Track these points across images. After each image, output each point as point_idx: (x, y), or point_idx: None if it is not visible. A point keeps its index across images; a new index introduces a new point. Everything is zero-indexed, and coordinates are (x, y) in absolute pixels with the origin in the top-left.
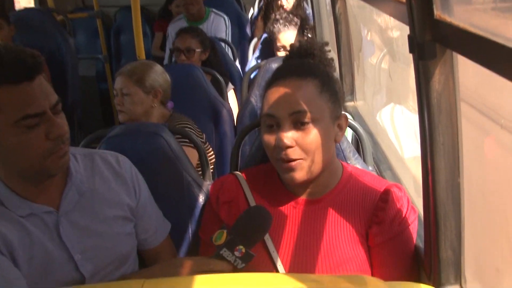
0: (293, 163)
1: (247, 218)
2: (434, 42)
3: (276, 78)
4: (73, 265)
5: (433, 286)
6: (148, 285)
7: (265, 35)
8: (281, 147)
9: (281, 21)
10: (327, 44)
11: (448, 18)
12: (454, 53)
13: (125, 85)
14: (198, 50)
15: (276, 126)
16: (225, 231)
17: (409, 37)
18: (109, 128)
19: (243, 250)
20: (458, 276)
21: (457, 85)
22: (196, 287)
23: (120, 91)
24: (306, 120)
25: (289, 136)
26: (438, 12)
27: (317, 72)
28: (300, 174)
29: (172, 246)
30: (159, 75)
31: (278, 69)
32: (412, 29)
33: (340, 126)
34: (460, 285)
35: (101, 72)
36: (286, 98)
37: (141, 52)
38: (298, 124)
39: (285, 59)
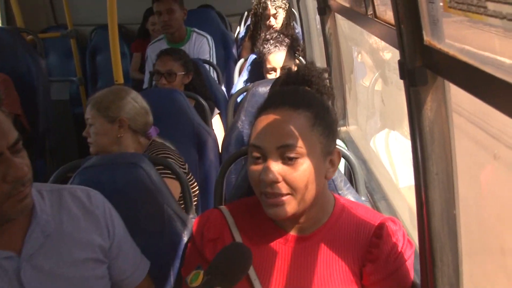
0: (277, 199)
1: (225, 256)
2: (424, 68)
3: (267, 106)
4: None
5: None
6: None
7: (253, 56)
8: (266, 181)
9: (271, 41)
10: (326, 71)
11: (438, 45)
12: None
13: (90, 115)
14: (180, 73)
15: (262, 158)
16: (201, 272)
17: (399, 62)
18: (84, 158)
19: None
20: None
21: (449, 113)
22: None
23: (87, 121)
24: (295, 155)
25: (275, 170)
26: (427, 38)
27: (311, 103)
28: (283, 211)
29: (151, 287)
30: (127, 103)
31: (270, 95)
32: (402, 54)
33: (332, 162)
34: None
35: (75, 95)
36: (275, 129)
37: (118, 75)
38: (286, 158)
39: (280, 84)
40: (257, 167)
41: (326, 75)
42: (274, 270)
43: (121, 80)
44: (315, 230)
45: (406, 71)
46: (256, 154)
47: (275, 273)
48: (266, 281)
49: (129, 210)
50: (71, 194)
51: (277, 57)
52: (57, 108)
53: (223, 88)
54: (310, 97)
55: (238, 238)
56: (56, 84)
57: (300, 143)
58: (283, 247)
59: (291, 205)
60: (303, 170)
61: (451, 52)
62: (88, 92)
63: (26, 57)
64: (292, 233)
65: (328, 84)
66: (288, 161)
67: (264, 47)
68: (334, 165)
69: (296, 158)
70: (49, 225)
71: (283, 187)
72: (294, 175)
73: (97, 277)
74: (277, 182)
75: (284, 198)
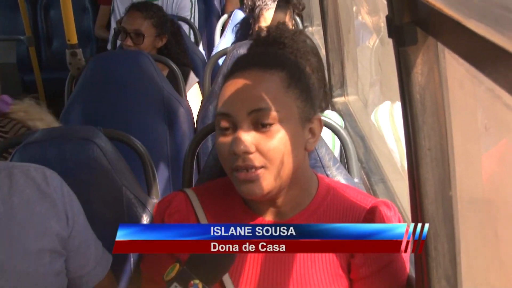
0: (250, 173)
1: None
2: (413, 25)
3: (235, 69)
4: None
5: None
6: None
7: (238, 12)
8: (237, 153)
9: None
10: (301, 32)
11: None
12: None
13: None
14: (150, 35)
15: (232, 128)
16: (177, 264)
17: (387, 18)
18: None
19: (200, 286)
20: None
21: (443, 78)
22: None
23: None
24: (269, 120)
25: (247, 139)
26: None
27: (284, 63)
28: (260, 187)
29: (114, 285)
30: None
31: (238, 59)
32: (390, 8)
33: (313, 131)
34: None
35: (25, 58)
36: (245, 93)
37: (71, 33)
38: (259, 126)
39: (249, 47)
40: (226, 139)
41: (302, 37)
42: (246, 261)
43: (74, 40)
44: (294, 215)
45: (394, 28)
46: (225, 124)
47: (247, 264)
48: (237, 273)
49: (81, 194)
50: (23, 174)
51: (275, 14)
52: (2, 73)
53: (202, 51)
54: (283, 57)
55: (205, 223)
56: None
57: (274, 106)
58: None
59: (266, 180)
60: (279, 138)
61: (438, 5)
62: (41, 55)
63: None
64: (268, 218)
65: (303, 48)
66: (261, 128)
67: (259, 0)
68: (314, 134)
69: (271, 124)
70: None
71: (256, 159)
72: (269, 144)
73: (54, 272)
74: (249, 153)
75: (258, 171)
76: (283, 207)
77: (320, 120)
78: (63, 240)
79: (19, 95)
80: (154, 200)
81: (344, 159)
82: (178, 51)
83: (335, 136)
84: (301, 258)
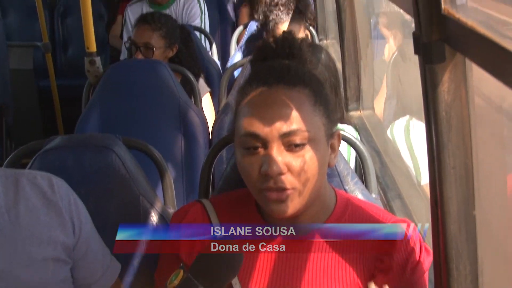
0: (281, 194)
1: (211, 255)
2: (442, 43)
3: (257, 84)
4: None
5: None
6: None
7: (254, 24)
8: (270, 175)
9: (281, 6)
10: (306, 41)
11: (457, 14)
12: None
13: None
14: (159, 47)
15: (261, 148)
16: (181, 270)
17: (414, 35)
18: (47, 138)
19: None
20: None
21: (470, 96)
22: None
23: None
24: (300, 141)
25: (280, 160)
26: (446, 6)
27: (307, 79)
28: (290, 207)
29: None
30: None
31: (255, 73)
32: (417, 25)
33: (333, 147)
34: None
35: (41, 65)
36: (275, 113)
37: (90, 41)
38: (291, 146)
39: (256, 59)
40: (254, 159)
41: (309, 42)
42: (258, 276)
43: (93, 48)
44: (311, 231)
45: (421, 46)
46: (253, 144)
47: (258, 279)
48: (246, 280)
49: (98, 202)
50: (30, 181)
51: (289, 27)
52: (18, 79)
53: (217, 61)
54: (305, 72)
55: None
56: (17, 50)
57: (304, 126)
58: (271, 250)
59: (295, 200)
60: (310, 157)
61: (469, 23)
62: (57, 61)
63: None
64: (284, 233)
65: (309, 58)
66: (293, 148)
67: (272, 13)
68: (335, 149)
69: (303, 144)
70: (2, 218)
71: (287, 180)
72: (301, 165)
73: (58, 280)
74: (282, 174)
75: (289, 192)
76: (302, 222)
77: (339, 135)
78: (68, 249)
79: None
80: (170, 210)
81: (360, 173)
82: (188, 59)
83: (350, 150)
84: (314, 274)
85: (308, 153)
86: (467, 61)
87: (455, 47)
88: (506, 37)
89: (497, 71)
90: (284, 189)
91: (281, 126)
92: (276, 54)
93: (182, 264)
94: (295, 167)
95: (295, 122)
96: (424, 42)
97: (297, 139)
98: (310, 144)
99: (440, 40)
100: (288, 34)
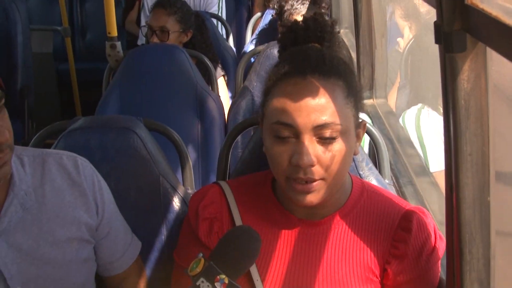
0: (309, 185)
1: (231, 240)
2: (464, 32)
3: (291, 71)
4: None
5: None
6: None
7: (270, 11)
8: (301, 166)
9: None
10: (335, 22)
11: (480, 4)
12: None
13: None
14: (174, 31)
15: (293, 137)
16: (202, 258)
17: (435, 24)
18: (69, 119)
19: (226, 281)
20: None
21: (489, 85)
22: None
23: None
24: (332, 134)
25: (312, 152)
26: None
27: (341, 69)
28: (317, 197)
29: (142, 271)
30: None
31: (288, 58)
32: (439, 15)
33: (359, 136)
34: None
35: (61, 48)
36: (309, 104)
37: (112, 26)
38: (322, 138)
39: (285, 42)
40: (284, 148)
41: (337, 28)
42: (275, 257)
43: (115, 33)
44: (328, 216)
45: (443, 35)
46: (285, 133)
47: (275, 260)
48: (265, 268)
49: (120, 182)
50: (56, 162)
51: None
52: (39, 62)
53: (233, 47)
54: (339, 62)
55: (238, 218)
56: (38, 34)
57: (337, 119)
58: (288, 233)
59: (322, 191)
60: (340, 150)
61: (494, 13)
62: (75, 45)
63: (4, 1)
64: (300, 216)
65: (339, 40)
66: (324, 140)
67: (287, 3)
68: (359, 138)
69: (334, 138)
70: (29, 198)
71: (316, 172)
72: (331, 158)
73: (82, 259)
74: (313, 166)
75: (316, 183)
76: (320, 209)
77: (365, 124)
78: (91, 229)
79: (53, 83)
80: (189, 191)
81: (374, 159)
82: (203, 46)
83: (364, 137)
84: (330, 258)
85: (338, 145)
86: (488, 51)
87: (478, 36)
88: None
89: None
90: (312, 181)
91: (315, 118)
92: (307, 36)
93: (201, 253)
94: (325, 160)
95: (329, 114)
96: (446, 31)
97: (330, 132)
98: (341, 137)
99: (462, 30)
100: (320, 16)
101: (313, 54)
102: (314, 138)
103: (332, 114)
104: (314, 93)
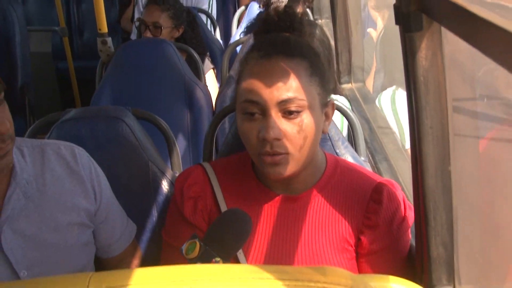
0: (278, 157)
1: (223, 224)
2: (420, 13)
3: (259, 54)
4: None
5: (423, 287)
6: (95, 279)
7: (254, 4)
8: (268, 140)
9: None
10: (306, 14)
11: None
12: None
13: None
14: (167, 26)
15: (260, 114)
16: (197, 241)
17: (395, 6)
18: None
19: (221, 263)
20: (451, 276)
21: (445, 62)
22: (148, 281)
23: None
24: (296, 108)
25: (276, 127)
26: None
27: (305, 51)
28: (285, 169)
29: (137, 251)
30: None
31: (258, 44)
32: None
33: (327, 115)
34: (454, 286)
35: (59, 47)
36: (274, 81)
37: (102, 23)
38: (287, 113)
39: (259, 31)
40: (252, 124)
41: (306, 18)
42: (256, 232)
43: (105, 29)
44: (305, 191)
45: (401, 16)
46: (252, 110)
47: (257, 235)
48: (247, 243)
49: (111, 169)
50: (54, 151)
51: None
52: (38, 61)
53: (220, 40)
54: (304, 45)
55: (220, 197)
56: (36, 34)
57: (301, 95)
58: (268, 208)
59: (291, 163)
60: (305, 125)
61: None
62: (73, 44)
63: (2, 2)
64: (279, 193)
65: (308, 32)
66: (289, 115)
67: None
68: (328, 117)
69: (298, 112)
70: (30, 186)
71: (283, 145)
72: (296, 131)
73: (82, 243)
74: (279, 139)
75: (284, 156)
76: (296, 184)
77: (333, 104)
78: (90, 215)
79: (53, 81)
80: (177, 174)
81: (351, 139)
82: (193, 41)
83: (343, 118)
84: (308, 230)
85: (303, 120)
86: (443, 30)
87: (432, 16)
88: (477, 4)
89: (471, 37)
90: (279, 154)
91: (279, 94)
92: (278, 26)
93: (197, 236)
94: (291, 133)
95: (292, 90)
96: (404, 12)
97: (294, 107)
98: (305, 112)
99: (418, 10)
100: (290, 8)
101: (278, 38)
102: (279, 113)
103: (296, 89)
104: (278, 72)
